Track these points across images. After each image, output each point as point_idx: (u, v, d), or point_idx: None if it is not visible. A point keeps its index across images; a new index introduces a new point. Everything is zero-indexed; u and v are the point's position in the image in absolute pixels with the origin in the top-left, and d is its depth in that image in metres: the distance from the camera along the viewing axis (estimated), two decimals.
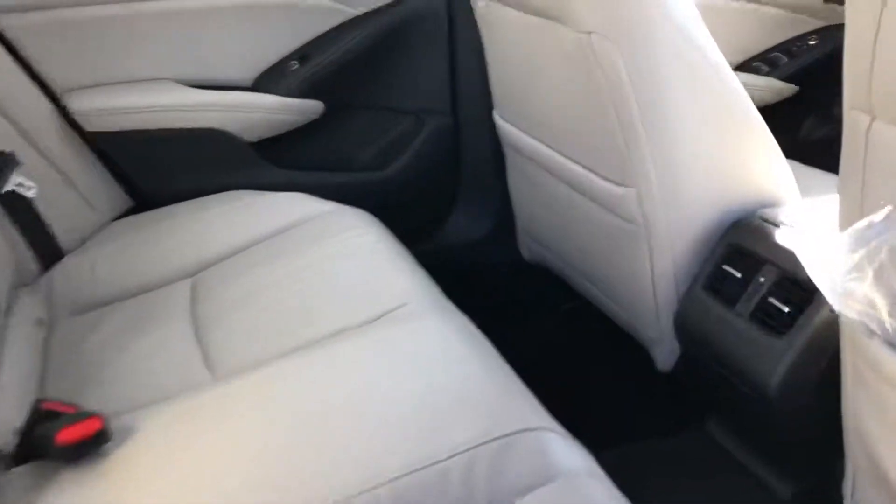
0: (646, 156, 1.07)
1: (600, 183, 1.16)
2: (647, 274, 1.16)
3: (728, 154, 1.09)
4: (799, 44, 1.97)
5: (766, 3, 1.98)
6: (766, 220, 1.07)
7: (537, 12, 1.13)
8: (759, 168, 1.11)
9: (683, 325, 1.12)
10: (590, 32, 1.03)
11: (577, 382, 1.50)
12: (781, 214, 1.07)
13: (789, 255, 1.00)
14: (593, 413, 1.42)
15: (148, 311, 1.19)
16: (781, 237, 1.02)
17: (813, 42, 1.96)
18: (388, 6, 1.58)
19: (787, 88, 1.99)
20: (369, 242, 1.27)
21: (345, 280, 1.17)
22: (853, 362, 0.80)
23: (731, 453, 1.17)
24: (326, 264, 1.22)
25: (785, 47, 1.99)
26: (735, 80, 1.07)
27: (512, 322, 1.64)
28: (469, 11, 1.40)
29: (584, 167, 1.19)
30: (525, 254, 1.60)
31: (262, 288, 1.18)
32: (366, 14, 1.57)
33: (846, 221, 0.75)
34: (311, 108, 1.57)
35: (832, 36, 1.94)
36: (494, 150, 1.54)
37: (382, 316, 1.05)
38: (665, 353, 1.23)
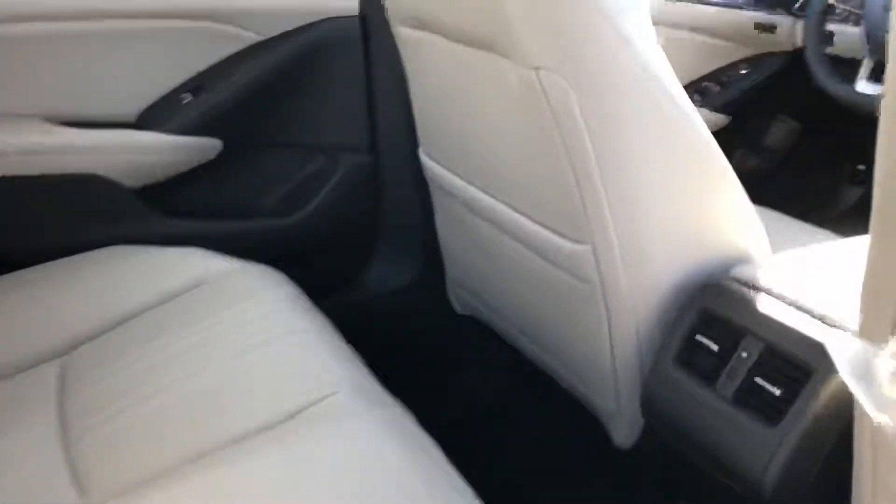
0: (604, 208, 0.92)
1: (550, 237, 1.01)
2: (605, 340, 1.01)
3: (696, 205, 0.95)
4: (730, 73, 1.89)
5: (698, 32, 1.89)
6: (740, 282, 0.94)
7: (473, 43, 0.96)
8: (730, 220, 0.98)
9: (651, 404, 0.97)
10: (537, 68, 0.87)
11: (517, 450, 1.34)
12: (756, 274, 0.94)
13: (774, 326, 0.86)
14: (537, 488, 1.26)
15: (1, 406, 0.96)
16: (764, 305, 0.89)
17: (744, 71, 1.89)
18: (295, 31, 1.38)
19: (720, 119, 1.90)
20: (280, 310, 1.08)
21: (252, 362, 0.97)
22: (882, 470, 0.67)
23: None
24: (229, 341, 1.01)
25: (716, 76, 1.91)
26: (701, 123, 0.93)
27: (442, 377, 1.47)
28: (389, 36, 1.23)
29: (531, 219, 1.04)
30: (456, 306, 1.43)
31: (147, 373, 0.97)
32: (270, 39, 1.38)
33: (879, 308, 0.62)
34: (206, 146, 1.36)
35: (763, 64, 1.86)
36: (420, 191, 1.37)
37: (302, 411, 0.86)
38: (624, 427, 1.08)
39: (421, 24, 1.08)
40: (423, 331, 1.53)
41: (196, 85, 1.34)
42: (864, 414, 0.68)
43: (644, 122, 0.90)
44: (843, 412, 0.80)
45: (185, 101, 1.32)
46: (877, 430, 0.66)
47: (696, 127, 0.92)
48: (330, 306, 1.16)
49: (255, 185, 1.43)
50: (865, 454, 0.69)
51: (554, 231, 1.00)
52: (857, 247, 1.03)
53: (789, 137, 1.96)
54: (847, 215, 1.98)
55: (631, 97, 0.88)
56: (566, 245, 0.99)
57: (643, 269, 0.96)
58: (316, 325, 1.06)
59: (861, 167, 1.98)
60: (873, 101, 1.41)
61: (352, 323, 1.15)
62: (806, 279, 0.92)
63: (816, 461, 0.81)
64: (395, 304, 1.54)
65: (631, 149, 0.90)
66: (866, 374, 0.56)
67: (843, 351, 0.56)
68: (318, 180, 1.46)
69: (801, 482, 0.81)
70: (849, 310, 0.85)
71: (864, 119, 1.87)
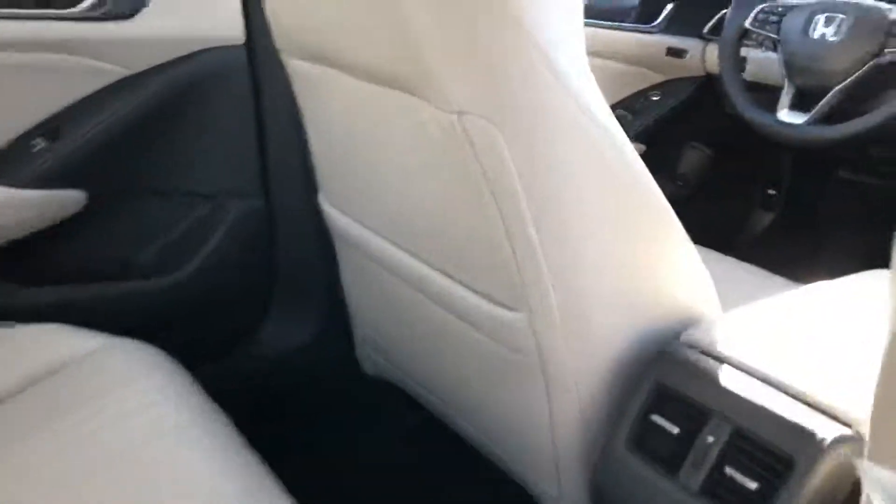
0: (541, 268, 0.79)
1: (478, 302, 0.87)
2: (545, 417, 0.88)
3: (645, 261, 0.84)
4: (642, 100, 1.82)
5: (608, 57, 1.81)
6: (697, 349, 0.82)
7: (383, 82, 0.82)
8: (680, 276, 0.87)
9: (601, 493, 0.85)
10: (461, 112, 0.74)
11: None
12: (713, 338, 0.83)
13: (743, 406, 0.75)
14: None
15: None
16: (729, 379, 0.78)
17: (656, 98, 1.82)
18: (170, 63, 1.20)
19: (636, 148, 1.82)
20: (158, 401, 0.90)
21: (123, 471, 0.79)
22: None
23: None
24: (98, 442, 0.83)
25: (628, 104, 1.84)
26: (643, 167, 0.82)
27: (347, 440, 1.31)
28: (282, 66, 1.07)
29: (454, 280, 0.90)
30: (368, 368, 1.28)
31: None
32: (142, 73, 1.19)
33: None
34: (66, 200, 1.16)
35: (674, 90, 1.80)
36: (322, 240, 1.21)
37: None
38: None
39: (319, 58, 0.92)
40: (329, 392, 1.37)
41: (51, 128, 1.14)
42: None
43: (584, 167, 0.78)
44: None
45: (36, 148, 1.12)
46: None
47: (638, 170, 0.81)
48: (220, 372, 1.00)
49: (128, 242, 1.23)
50: None
51: (482, 295, 0.87)
52: (810, 299, 0.93)
53: (702, 164, 1.91)
54: (760, 241, 1.94)
55: (568, 140, 0.76)
56: (497, 312, 0.85)
57: (587, 338, 0.83)
58: (203, 417, 0.89)
59: (772, 192, 1.95)
60: (799, 132, 1.34)
61: (247, 387, 0.98)
62: (768, 344, 0.82)
63: None
64: (295, 364, 1.38)
65: (570, 198, 0.78)
66: None
67: (880, 483, 0.45)
68: (202, 231, 1.27)
69: None
70: (824, 385, 0.75)
71: (773, 144, 1.84)
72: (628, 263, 0.83)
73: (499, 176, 0.76)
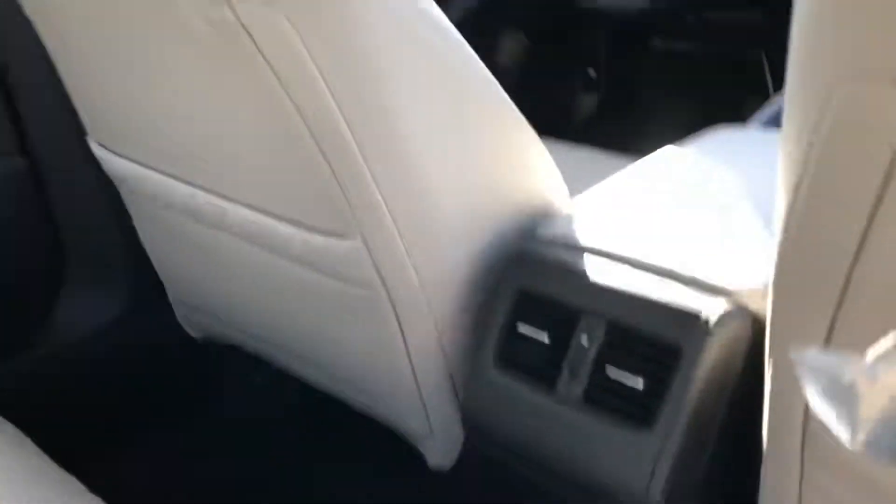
0: (370, 188, 0.66)
1: (305, 237, 0.73)
2: (400, 350, 0.76)
3: (489, 160, 0.72)
4: None
5: None
6: (555, 244, 0.73)
7: None
8: (526, 170, 0.76)
9: (475, 419, 0.75)
10: (233, 2, 0.58)
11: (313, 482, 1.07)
12: (570, 229, 0.74)
13: (614, 296, 0.66)
14: None
15: None
16: (595, 269, 0.69)
17: None
18: None
19: None
20: None
21: None
22: (816, 477, 0.49)
23: None
24: None
25: None
26: (474, 55, 0.70)
27: (189, 409, 1.16)
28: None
29: (271, 216, 0.75)
30: (193, 332, 1.11)
31: None
32: None
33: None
34: None
35: None
36: (104, 193, 1.02)
37: None
38: (439, 448, 0.85)
39: None
40: (156, 367, 1.19)
41: None
42: (790, 415, 0.50)
43: (411, 63, 0.65)
44: (724, 395, 0.63)
45: None
46: (817, 441, 0.48)
47: (473, 61, 0.68)
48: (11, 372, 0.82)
49: None
50: (791, 458, 0.51)
51: (307, 227, 0.73)
52: (657, 170, 0.86)
53: (521, 53, 1.82)
54: (590, 124, 1.90)
55: (383, 27, 0.62)
56: (328, 244, 0.72)
57: (435, 255, 0.72)
58: None
59: (592, 72, 1.89)
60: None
61: (49, 384, 0.81)
62: (628, 226, 0.74)
63: (702, 459, 0.63)
64: (108, 343, 1.18)
65: (395, 99, 0.64)
66: (842, 392, 0.37)
67: (813, 367, 0.36)
68: None
69: (691, 489, 0.63)
70: (696, 259, 0.67)
71: (589, 24, 1.77)
72: (472, 164, 0.71)
73: (296, 78, 0.62)
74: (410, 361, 0.76)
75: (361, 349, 0.80)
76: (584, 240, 0.72)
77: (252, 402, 1.19)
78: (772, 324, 0.48)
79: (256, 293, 0.87)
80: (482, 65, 0.70)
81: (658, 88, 1.81)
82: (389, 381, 0.81)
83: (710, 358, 0.61)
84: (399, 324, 0.74)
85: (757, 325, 0.62)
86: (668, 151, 0.87)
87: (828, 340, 0.43)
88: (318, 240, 0.72)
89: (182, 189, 0.82)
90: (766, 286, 0.64)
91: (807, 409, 0.46)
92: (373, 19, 0.61)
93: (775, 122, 1.14)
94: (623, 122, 1.80)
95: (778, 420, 0.50)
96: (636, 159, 0.92)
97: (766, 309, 0.63)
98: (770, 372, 0.49)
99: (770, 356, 0.49)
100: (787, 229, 0.43)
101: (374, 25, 0.61)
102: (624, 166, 0.88)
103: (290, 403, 1.17)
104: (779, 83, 1.56)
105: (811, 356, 0.35)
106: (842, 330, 0.42)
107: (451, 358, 0.76)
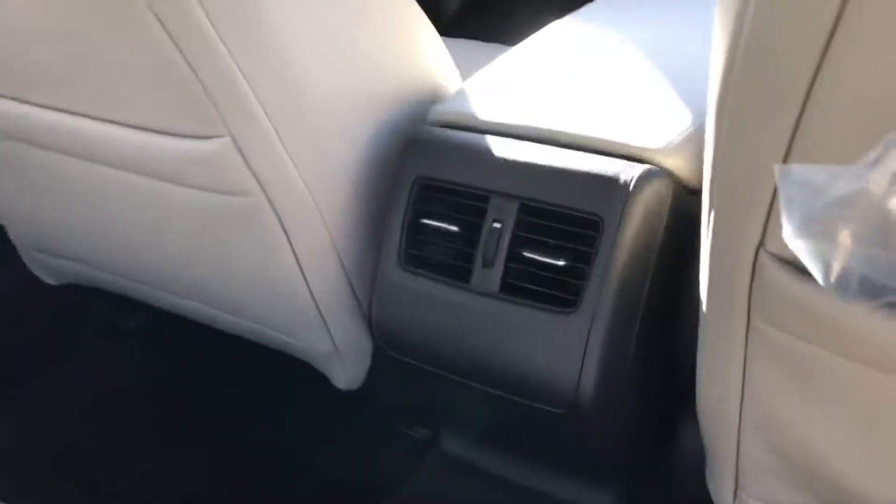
0: (235, 76, 0.56)
1: (160, 143, 0.63)
2: (291, 264, 0.68)
3: (369, 38, 0.64)
4: None
5: None
6: (449, 125, 0.66)
7: None
8: (410, 47, 0.68)
9: (385, 331, 0.68)
10: None
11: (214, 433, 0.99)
12: (463, 108, 0.67)
13: (522, 171, 0.60)
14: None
15: None
16: (500, 147, 0.62)
17: None
18: None
19: None
20: None
21: None
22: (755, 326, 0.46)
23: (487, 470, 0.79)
24: None
25: None
26: None
27: (48, 364, 1.04)
28: None
29: (116, 123, 0.64)
30: (46, 277, 0.99)
31: None
32: None
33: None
34: None
35: None
36: None
37: None
38: (347, 366, 0.79)
39: None
40: (7, 320, 1.06)
41: None
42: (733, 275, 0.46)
43: None
44: (650, 263, 0.58)
45: None
46: (768, 290, 0.44)
47: None
48: None
49: None
50: (735, 313, 0.47)
51: (161, 132, 0.63)
52: (544, 46, 0.79)
53: None
54: (459, 17, 1.81)
55: None
56: (189, 147, 0.62)
57: (320, 151, 0.64)
58: None
59: None
60: None
61: None
62: (525, 100, 0.67)
63: (630, 338, 0.59)
64: None
65: None
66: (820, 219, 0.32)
67: (797, 182, 0.31)
68: None
69: (622, 373, 0.59)
70: (602, 125, 0.62)
71: None
72: (354, 44, 0.63)
73: None
74: (302, 272, 0.69)
75: (245, 268, 0.72)
76: (482, 118, 0.65)
77: (123, 349, 1.08)
78: (714, 171, 0.43)
79: (113, 222, 0.76)
80: None
81: None
82: (282, 299, 0.73)
83: (633, 225, 0.56)
84: (285, 231, 0.66)
85: (675, 183, 0.58)
86: (552, 28, 0.81)
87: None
88: (177, 144, 0.62)
89: (8, 108, 0.70)
90: (679, 142, 0.60)
91: (757, 254, 0.42)
92: None
93: None
94: (493, 13, 1.73)
95: (721, 274, 0.46)
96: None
97: (683, 164, 0.59)
98: (711, 224, 0.45)
99: (712, 206, 0.44)
100: (730, 60, 0.38)
101: None
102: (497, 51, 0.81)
103: (171, 344, 1.07)
104: None
105: (795, 170, 0.30)
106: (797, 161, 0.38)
107: (348, 262, 0.69)
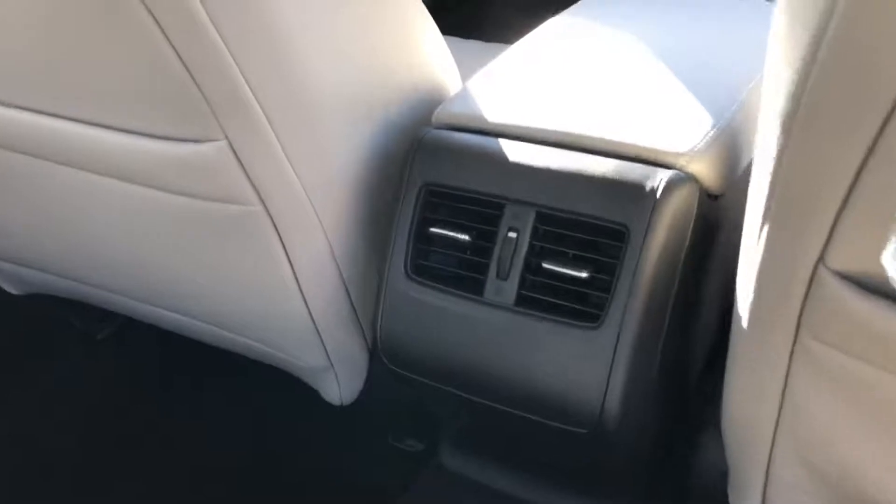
0: (235, 75, 0.52)
1: (147, 146, 0.58)
2: (288, 280, 0.64)
3: (370, 33, 0.60)
4: None
5: None
6: (457, 127, 0.62)
7: None
8: (411, 44, 0.64)
9: (390, 345, 0.64)
10: None
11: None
12: (471, 108, 0.63)
13: (541, 177, 0.57)
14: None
15: None
16: (514, 151, 0.59)
17: None
18: None
19: None
20: None
21: None
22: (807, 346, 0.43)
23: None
24: None
25: None
26: None
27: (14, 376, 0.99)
28: None
29: (99, 126, 0.59)
30: (11, 287, 0.93)
31: None
32: None
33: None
34: None
35: None
36: None
37: None
38: (341, 380, 0.75)
39: None
40: None
41: None
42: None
43: None
44: (676, 274, 0.55)
45: None
46: (823, 305, 0.41)
47: None
48: None
49: None
50: (781, 328, 0.45)
51: (149, 135, 0.58)
52: (542, 45, 0.75)
53: None
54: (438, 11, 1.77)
55: None
56: (180, 151, 0.57)
57: (318, 153, 0.59)
58: None
59: None
60: None
61: None
62: (537, 101, 0.64)
63: (656, 353, 0.56)
64: None
65: None
66: None
67: None
68: None
69: (647, 389, 0.56)
70: (622, 127, 0.59)
71: None
72: (355, 41, 0.59)
73: None
74: (299, 285, 0.64)
75: (236, 281, 0.67)
76: (491, 120, 0.61)
77: (95, 360, 1.02)
78: (774, 185, 0.40)
79: (93, 231, 0.71)
80: None
81: None
82: (275, 312, 0.68)
83: (661, 234, 0.53)
84: (282, 242, 0.62)
85: (700, 189, 0.55)
86: (550, 25, 0.78)
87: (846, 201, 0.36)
88: (166, 148, 0.57)
89: None
90: (702, 146, 0.57)
91: (815, 269, 0.40)
92: None
93: None
94: (473, 7, 1.70)
95: (770, 288, 0.44)
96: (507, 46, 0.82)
97: (706, 170, 0.56)
98: (762, 237, 0.42)
99: (766, 220, 0.41)
100: (802, 75, 0.35)
101: None
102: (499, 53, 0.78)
103: (146, 354, 1.01)
104: None
105: None
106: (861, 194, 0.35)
107: (349, 274, 0.65)
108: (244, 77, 0.52)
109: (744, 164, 0.60)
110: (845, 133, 0.35)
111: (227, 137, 0.55)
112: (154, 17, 0.49)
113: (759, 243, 0.43)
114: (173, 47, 0.51)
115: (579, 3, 0.84)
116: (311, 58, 0.55)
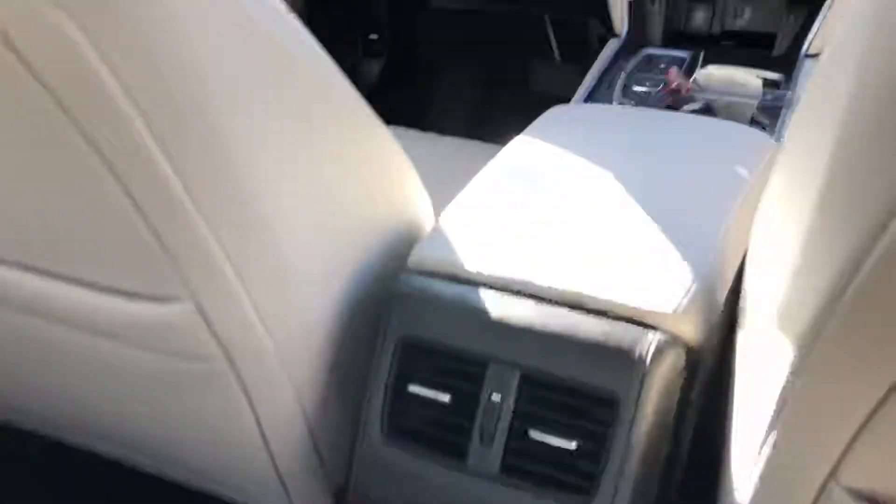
0: (203, 236, 0.49)
1: (112, 304, 0.54)
2: (253, 434, 0.60)
3: (340, 178, 0.57)
4: None
5: None
6: (433, 274, 0.60)
7: None
8: (384, 185, 0.62)
9: None
10: None
11: None
12: (448, 252, 0.61)
13: (522, 337, 0.55)
14: None
15: None
16: (495, 308, 0.56)
17: None
18: None
19: None
20: None
21: None
22: None
23: None
24: None
25: None
26: (319, 49, 0.54)
27: None
28: None
29: (63, 279, 0.55)
30: None
31: None
32: None
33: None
34: None
35: None
36: None
37: None
38: None
39: None
40: None
41: None
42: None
43: (245, 71, 0.48)
44: (666, 438, 0.54)
45: None
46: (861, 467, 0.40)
47: (322, 59, 0.52)
48: None
49: None
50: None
51: (114, 292, 0.53)
52: (515, 173, 0.73)
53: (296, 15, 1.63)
54: (375, 92, 1.76)
55: (204, 29, 0.45)
56: (143, 311, 0.53)
57: (289, 306, 0.56)
58: None
59: (374, 36, 1.75)
60: None
61: None
62: (515, 244, 0.61)
63: None
64: None
65: (230, 126, 0.47)
66: None
67: None
68: None
69: None
70: (608, 281, 0.57)
71: None
72: (326, 187, 0.56)
73: (86, 100, 0.43)
74: (265, 439, 0.60)
75: (199, 431, 0.62)
76: (470, 267, 0.59)
77: (27, 483, 0.94)
78: (789, 399, 0.39)
79: (53, 376, 0.65)
80: (323, 52, 0.54)
81: (441, 50, 1.71)
82: (239, 463, 0.64)
83: (652, 402, 0.52)
84: (248, 398, 0.58)
85: (686, 350, 0.54)
86: (520, 145, 0.76)
87: None
88: (133, 306, 0.53)
89: None
90: (686, 304, 0.56)
91: (825, 484, 0.38)
92: (188, 17, 0.43)
93: (591, 98, 1.07)
94: (412, 89, 1.69)
95: (772, 495, 0.42)
96: (436, 133, 0.79)
97: (690, 329, 0.55)
98: (770, 445, 0.41)
99: (773, 427, 0.40)
100: (838, 287, 0.34)
101: (189, 24, 0.44)
102: (431, 143, 0.75)
103: (80, 478, 0.94)
104: (560, 39, 1.53)
105: None
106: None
107: (318, 429, 0.61)
108: (218, 243, 0.49)
109: (717, 314, 0.59)
110: (869, 368, 0.34)
111: (193, 298, 0.52)
112: (115, 174, 0.45)
113: (764, 448, 0.41)
114: (137, 207, 0.47)
115: (545, 115, 0.83)
116: (288, 217, 0.52)
